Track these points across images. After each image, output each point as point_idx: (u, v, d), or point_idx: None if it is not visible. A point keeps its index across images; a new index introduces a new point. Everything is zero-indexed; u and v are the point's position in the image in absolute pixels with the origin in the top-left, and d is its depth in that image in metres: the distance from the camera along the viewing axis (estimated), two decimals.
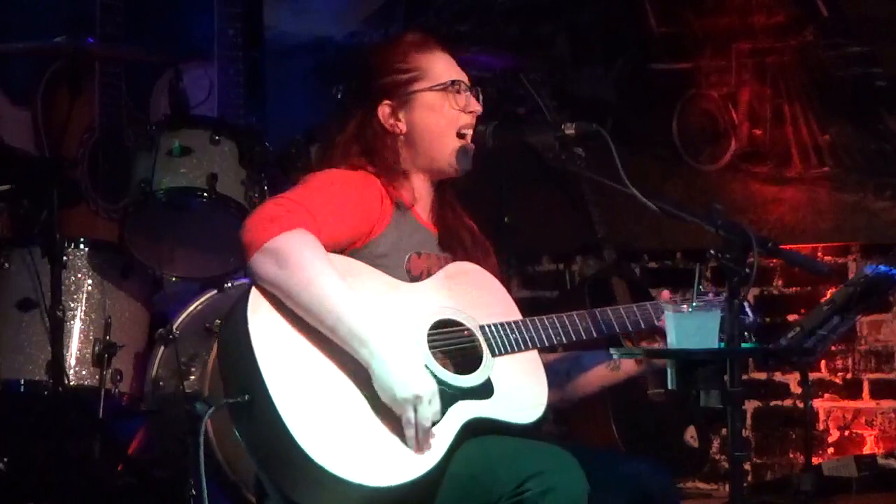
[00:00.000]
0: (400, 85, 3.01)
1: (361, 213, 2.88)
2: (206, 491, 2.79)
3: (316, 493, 2.65)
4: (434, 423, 2.70)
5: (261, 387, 2.64)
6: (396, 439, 2.69)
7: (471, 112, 3.04)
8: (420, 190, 3.03)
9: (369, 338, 2.68)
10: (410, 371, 2.69)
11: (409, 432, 2.68)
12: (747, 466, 5.15)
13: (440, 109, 3.01)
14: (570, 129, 2.97)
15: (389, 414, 2.70)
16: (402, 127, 3.01)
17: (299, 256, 2.71)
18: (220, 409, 2.70)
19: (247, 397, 2.66)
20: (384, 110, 3.01)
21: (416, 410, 2.67)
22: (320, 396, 2.67)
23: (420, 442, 2.68)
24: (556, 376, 3.07)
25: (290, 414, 2.62)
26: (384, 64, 3.04)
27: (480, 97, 3.08)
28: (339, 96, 3.11)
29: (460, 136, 3.02)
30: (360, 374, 2.71)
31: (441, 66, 3.04)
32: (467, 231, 3.10)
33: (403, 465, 2.67)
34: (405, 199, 2.98)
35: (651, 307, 3.05)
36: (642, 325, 3.03)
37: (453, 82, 3.02)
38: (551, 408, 2.94)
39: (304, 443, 2.61)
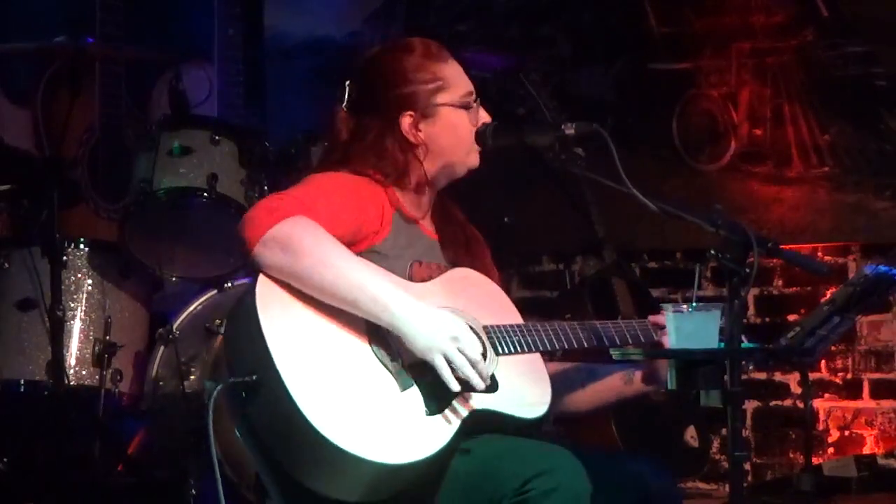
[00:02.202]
0: (423, 96, 2.96)
1: (358, 217, 2.86)
2: (218, 471, 2.76)
3: (324, 472, 2.64)
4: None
5: (269, 364, 2.63)
6: (406, 418, 2.69)
7: (483, 122, 3.01)
8: (428, 203, 3.01)
9: (389, 301, 2.69)
10: (435, 318, 2.71)
11: (467, 371, 2.70)
12: (747, 466, 5.15)
13: (461, 124, 2.98)
14: (570, 129, 2.96)
15: (399, 393, 2.71)
16: (423, 138, 2.97)
17: (305, 239, 2.71)
18: (227, 388, 2.69)
19: (254, 377, 2.65)
20: (406, 121, 2.96)
21: (459, 351, 2.70)
22: (329, 374, 2.66)
23: (482, 373, 2.71)
24: (571, 385, 3.07)
25: (299, 390, 2.62)
26: (403, 73, 2.97)
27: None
28: (346, 101, 3.03)
29: (476, 143, 3.00)
30: (368, 353, 2.72)
31: (459, 78, 3.00)
32: (465, 238, 3.09)
33: (412, 444, 2.67)
34: (411, 215, 2.96)
35: (651, 325, 3.04)
36: (642, 340, 3.03)
37: (471, 94, 2.99)
38: (561, 415, 2.94)
39: (313, 418, 2.60)
